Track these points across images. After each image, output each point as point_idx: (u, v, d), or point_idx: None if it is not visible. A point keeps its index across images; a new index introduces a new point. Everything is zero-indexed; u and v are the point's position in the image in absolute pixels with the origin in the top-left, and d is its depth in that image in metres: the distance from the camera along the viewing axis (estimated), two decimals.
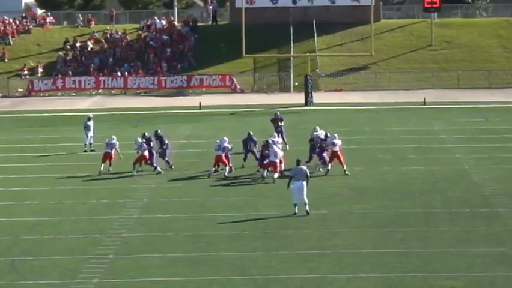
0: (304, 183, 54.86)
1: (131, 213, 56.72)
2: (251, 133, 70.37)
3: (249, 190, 60.84)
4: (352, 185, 60.47)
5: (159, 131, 70.86)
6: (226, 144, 66.57)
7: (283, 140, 74.01)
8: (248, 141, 70.59)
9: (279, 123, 75.79)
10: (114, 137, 61.87)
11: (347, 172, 64.82)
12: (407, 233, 50.55)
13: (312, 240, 48.81)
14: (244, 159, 70.09)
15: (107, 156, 63.57)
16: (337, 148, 63.95)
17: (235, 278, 43.29)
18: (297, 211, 53.55)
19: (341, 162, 64.36)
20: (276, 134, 71.77)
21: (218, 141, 66.90)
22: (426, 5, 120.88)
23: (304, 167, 56.37)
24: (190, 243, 49.72)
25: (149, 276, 43.47)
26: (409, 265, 44.76)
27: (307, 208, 53.46)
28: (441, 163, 68.15)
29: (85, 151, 72.62)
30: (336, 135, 65.26)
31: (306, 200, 53.99)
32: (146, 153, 67.81)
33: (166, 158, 69.78)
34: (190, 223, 53.74)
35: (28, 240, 50.79)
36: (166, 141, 70.64)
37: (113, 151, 60.78)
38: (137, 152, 66.66)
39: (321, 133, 66.60)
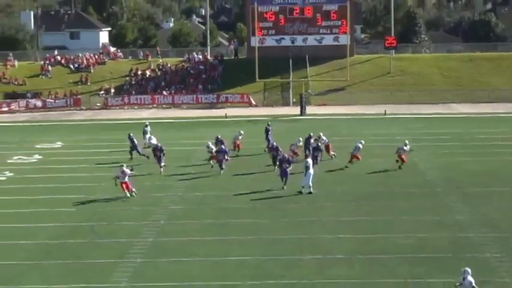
0: (312, 171, 55.15)
1: (177, 192, 56.44)
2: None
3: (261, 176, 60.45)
4: (335, 172, 60.17)
5: (219, 136, 68.61)
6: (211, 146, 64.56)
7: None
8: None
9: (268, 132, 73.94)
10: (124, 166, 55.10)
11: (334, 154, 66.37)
12: (374, 206, 50.33)
13: (306, 211, 48.66)
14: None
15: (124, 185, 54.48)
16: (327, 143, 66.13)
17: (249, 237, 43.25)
18: (303, 191, 53.63)
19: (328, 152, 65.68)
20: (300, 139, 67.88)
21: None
22: (386, 45, 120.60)
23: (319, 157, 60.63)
24: (217, 213, 49.84)
25: (189, 236, 43.45)
26: (376, 229, 44.68)
27: (312, 189, 53.66)
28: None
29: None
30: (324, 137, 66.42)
31: (311, 184, 54.15)
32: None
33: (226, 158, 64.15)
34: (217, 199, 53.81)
35: (104, 211, 50.37)
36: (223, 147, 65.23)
37: (126, 179, 54.21)
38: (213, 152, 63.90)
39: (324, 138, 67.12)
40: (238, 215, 49.64)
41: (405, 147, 63.24)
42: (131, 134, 69.59)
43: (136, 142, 69.30)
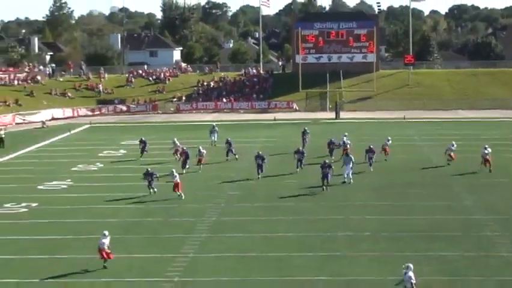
0: (350, 165, 54.24)
1: (234, 180, 56.57)
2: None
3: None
4: (360, 166, 58.38)
5: (229, 138, 66.94)
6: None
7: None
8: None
9: (306, 135, 71.79)
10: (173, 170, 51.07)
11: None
12: (395, 193, 50.05)
13: (340, 197, 49.26)
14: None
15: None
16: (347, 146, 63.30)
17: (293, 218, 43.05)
18: (345, 180, 53.10)
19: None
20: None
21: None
22: (405, 62, 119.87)
23: (351, 156, 55.87)
24: (267, 197, 50.03)
25: (245, 216, 43.90)
26: (397, 212, 44.58)
27: (352, 180, 53.30)
28: (414, 153, 67.43)
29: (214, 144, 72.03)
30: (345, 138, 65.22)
31: (350, 174, 53.59)
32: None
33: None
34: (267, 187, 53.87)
35: (174, 195, 50.14)
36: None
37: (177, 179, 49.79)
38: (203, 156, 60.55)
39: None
40: (284, 199, 49.38)
41: (452, 147, 61.53)
42: (143, 138, 68.36)
43: (147, 144, 67.19)
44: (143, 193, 50.96)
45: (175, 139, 66.25)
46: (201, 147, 60.10)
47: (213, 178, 56.90)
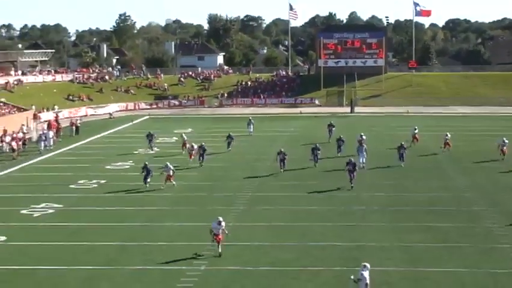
0: (364, 153, 53.16)
1: (267, 162, 56.59)
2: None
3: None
4: (371, 152, 58.24)
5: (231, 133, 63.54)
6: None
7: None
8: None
9: (332, 128, 68.97)
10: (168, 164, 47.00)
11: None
12: (398, 174, 49.89)
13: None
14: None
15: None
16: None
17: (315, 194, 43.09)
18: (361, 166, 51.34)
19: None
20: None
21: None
22: (409, 66, 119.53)
23: (365, 146, 54.46)
24: (293, 177, 49.76)
25: (274, 192, 43.77)
26: (400, 189, 44.42)
27: (365, 165, 52.34)
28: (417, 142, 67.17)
29: (250, 134, 71.95)
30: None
31: (365, 162, 52.43)
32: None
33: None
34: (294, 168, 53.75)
35: (218, 173, 50.30)
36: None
37: (170, 172, 46.09)
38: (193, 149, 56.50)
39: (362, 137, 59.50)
40: (307, 178, 49.29)
41: (503, 142, 56.38)
42: (151, 131, 65.37)
43: (153, 138, 63.97)
44: (190, 173, 51.37)
45: (183, 134, 63.48)
46: (168, 163, 47.39)
47: (248, 160, 57.48)
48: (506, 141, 56.31)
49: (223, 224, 31.30)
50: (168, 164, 46.83)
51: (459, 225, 36.27)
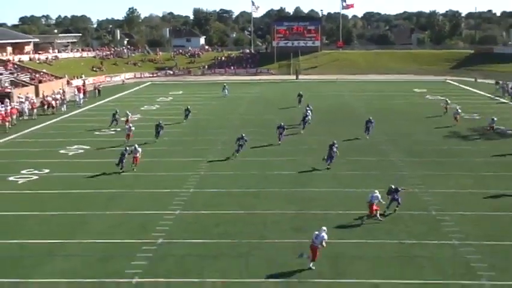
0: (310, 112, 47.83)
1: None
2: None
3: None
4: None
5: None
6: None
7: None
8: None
9: (301, 98, 61.43)
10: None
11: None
12: (329, 127, 49.52)
13: (296, 140, 47.58)
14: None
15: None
16: None
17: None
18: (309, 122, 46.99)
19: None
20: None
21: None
22: (337, 46, 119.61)
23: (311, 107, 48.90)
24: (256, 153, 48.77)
25: (224, 171, 42.48)
26: (332, 136, 43.61)
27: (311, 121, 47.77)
28: (341, 100, 66.50)
29: (225, 96, 70.94)
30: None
31: (310, 119, 47.25)
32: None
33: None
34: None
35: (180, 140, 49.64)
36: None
37: (137, 155, 34.12)
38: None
39: None
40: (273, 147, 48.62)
41: (457, 111, 49.75)
42: (117, 110, 51.39)
43: (117, 117, 49.67)
44: (179, 129, 50.92)
45: (128, 111, 51.71)
46: (136, 145, 35.27)
47: (224, 114, 56.94)
48: (459, 110, 50.43)
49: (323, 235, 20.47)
50: (136, 146, 34.99)
51: (372, 159, 36.64)
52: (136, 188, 30.28)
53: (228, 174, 33.01)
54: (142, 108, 61.83)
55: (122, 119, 49.16)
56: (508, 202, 27.47)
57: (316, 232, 20.34)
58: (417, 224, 24.39)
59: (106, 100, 70.18)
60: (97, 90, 75.27)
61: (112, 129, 48.40)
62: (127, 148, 34.73)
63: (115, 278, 19.35)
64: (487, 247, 21.87)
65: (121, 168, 33.68)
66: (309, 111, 48.52)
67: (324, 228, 20.60)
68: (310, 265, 20.07)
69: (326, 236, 20.25)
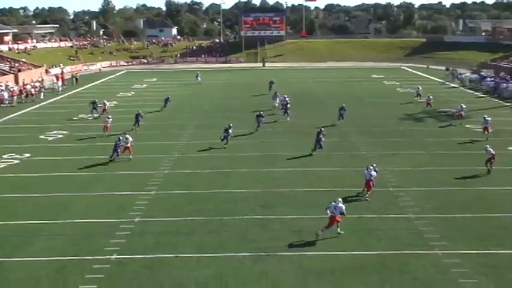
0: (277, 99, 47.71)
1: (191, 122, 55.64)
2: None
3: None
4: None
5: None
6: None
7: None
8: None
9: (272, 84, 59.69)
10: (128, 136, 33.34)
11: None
12: (299, 110, 49.64)
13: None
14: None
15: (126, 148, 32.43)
16: None
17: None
18: (277, 107, 50.72)
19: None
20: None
21: None
22: (301, 35, 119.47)
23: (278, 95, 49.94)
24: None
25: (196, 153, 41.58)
26: (301, 118, 43.49)
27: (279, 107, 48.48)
28: (305, 86, 66.54)
29: (198, 84, 70.24)
30: None
31: (278, 104, 48.58)
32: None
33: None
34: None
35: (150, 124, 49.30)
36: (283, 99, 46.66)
37: (129, 144, 32.23)
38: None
39: None
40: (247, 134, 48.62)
41: (429, 98, 48.78)
42: (96, 100, 48.79)
43: (96, 105, 47.67)
44: (155, 112, 50.44)
45: (105, 100, 49.40)
46: (128, 135, 33.55)
47: (196, 100, 56.49)
48: (431, 97, 49.25)
49: (341, 206, 20.65)
50: (128, 136, 33.25)
51: (335, 140, 36.83)
52: (114, 171, 30.06)
53: (200, 156, 32.92)
54: (118, 95, 61.05)
55: (100, 105, 48.30)
56: (457, 177, 28.03)
57: (334, 203, 20.62)
58: (376, 200, 24.71)
59: (84, 88, 69.09)
60: (74, 79, 74.01)
61: (90, 116, 46.87)
62: (120, 138, 32.46)
63: (96, 255, 19.32)
64: (439, 219, 22.33)
65: (117, 155, 31.80)
66: (287, 99, 46.27)
67: (340, 199, 20.96)
68: (319, 231, 20.45)
69: (343, 206, 20.54)
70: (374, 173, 25.17)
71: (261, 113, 41.24)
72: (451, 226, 21.71)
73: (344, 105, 43.87)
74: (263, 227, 21.63)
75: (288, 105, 44.71)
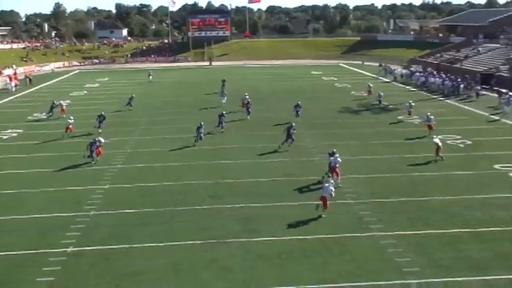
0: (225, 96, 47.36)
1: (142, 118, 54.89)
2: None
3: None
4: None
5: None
6: None
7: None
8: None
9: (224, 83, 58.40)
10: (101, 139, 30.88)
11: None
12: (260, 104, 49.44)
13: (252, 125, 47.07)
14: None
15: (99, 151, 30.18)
16: None
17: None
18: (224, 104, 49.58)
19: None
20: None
21: None
22: (245, 35, 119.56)
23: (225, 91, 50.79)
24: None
25: (146, 148, 41.16)
26: (258, 111, 43.40)
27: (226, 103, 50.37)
28: (250, 82, 66.45)
29: (149, 82, 69.15)
30: None
31: (225, 101, 47.68)
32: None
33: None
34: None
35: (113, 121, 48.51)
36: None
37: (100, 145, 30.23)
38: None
39: None
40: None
41: (379, 95, 48.20)
42: (55, 101, 45.84)
43: (54, 105, 44.87)
44: (115, 102, 49.38)
45: (62, 101, 46.68)
46: (100, 138, 31.28)
47: (149, 98, 55.66)
48: (382, 94, 48.57)
49: (331, 188, 21.44)
50: (101, 139, 30.75)
51: (279, 133, 36.82)
52: (68, 167, 29.20)
53: (152, 151, 32.43)
54: (71, 94, 59.48)
55: (56, 104, 46.21)
56: (391, 165, 28.63)
57: (326, 184, 21.54)
58: (317, 187, 24.90)
59: (37, 88, 67.01)
60: (28, 79, 71.75)
61: (45, 116, 44.83)
62: (96, 139, 30.17)
63: (52, 248, 18.82)
64: (376, 204, 22.70)
65: (92, 159, 29.58)
66: (247, 96, 45.47)
67: (332, 181, 22.42)
68: (323, 214, 21.18)
69: (332, 188, 21.41)
70: (339, 159, 25.18)
71: (223, 112, 38.97)
72: (386, 210, 22.06)
73: (299, 102, 42.42)
74: (213, 216, 21.46)
75: (249, 104, 43.54)
